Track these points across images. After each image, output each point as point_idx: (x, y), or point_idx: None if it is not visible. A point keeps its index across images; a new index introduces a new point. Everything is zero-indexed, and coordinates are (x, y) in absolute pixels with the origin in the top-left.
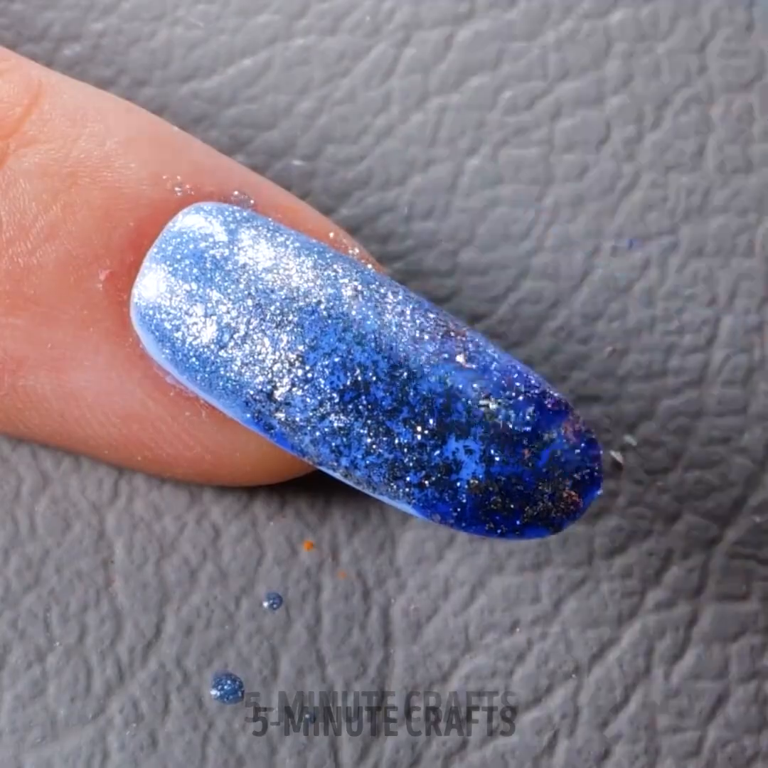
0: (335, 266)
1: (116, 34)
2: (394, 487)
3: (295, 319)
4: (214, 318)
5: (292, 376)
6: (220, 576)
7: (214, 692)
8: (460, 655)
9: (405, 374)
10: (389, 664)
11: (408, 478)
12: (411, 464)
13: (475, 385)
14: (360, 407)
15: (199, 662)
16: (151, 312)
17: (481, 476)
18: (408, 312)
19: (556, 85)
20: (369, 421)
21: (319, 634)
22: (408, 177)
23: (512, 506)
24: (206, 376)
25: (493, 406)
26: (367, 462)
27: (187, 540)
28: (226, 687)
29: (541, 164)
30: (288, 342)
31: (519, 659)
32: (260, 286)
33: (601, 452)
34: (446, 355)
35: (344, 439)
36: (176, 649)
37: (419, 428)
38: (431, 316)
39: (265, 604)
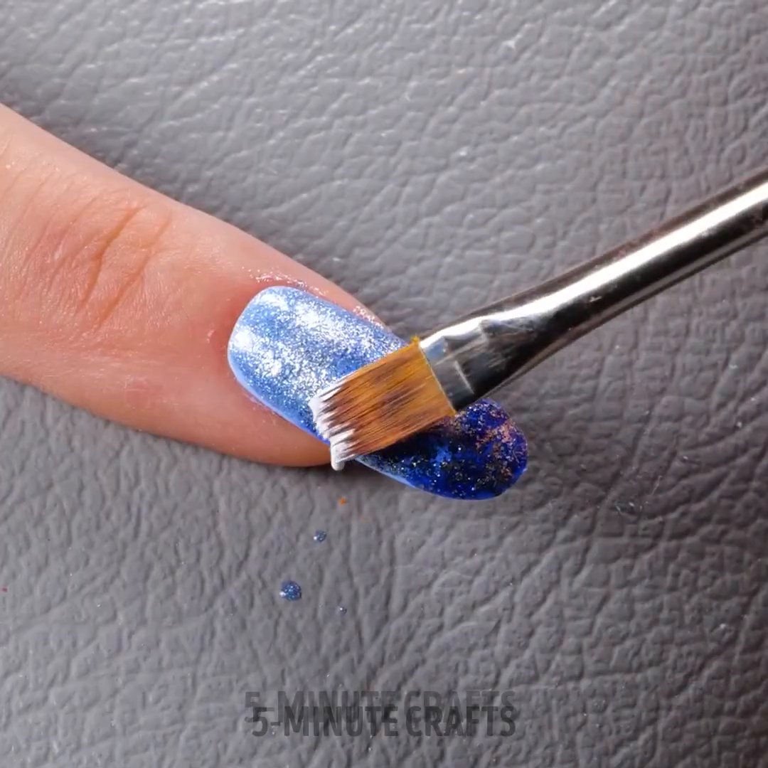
0: (357, 326)
1: (221, 179)
2: (395, 466)
3: (331, 360)
4: (279, 360)
5: None
6: (286, 520)
7: (282, 593)
8: (439, 570)
9: None
10: (393, 575)
11: (403, 461)
12: (405, 452)
13: None
14: None
15: (273, 574)
16: (240, 356)
17: (449, 460)
18: None
19: (501, 210)
20: None
21: (349, 557)
22: (407, 269)
23: (469, 479)
24: (275, 397)
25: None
26: None
27: (266, 497)
28: (289, 590)
29: (491, 260)
30: (326, 375)
31: (476, 573)
32: (309, 339)
33: (526, 444)
34: None
35: None
36: (258, 566)
37: None
38: None
39: (315, 538)
